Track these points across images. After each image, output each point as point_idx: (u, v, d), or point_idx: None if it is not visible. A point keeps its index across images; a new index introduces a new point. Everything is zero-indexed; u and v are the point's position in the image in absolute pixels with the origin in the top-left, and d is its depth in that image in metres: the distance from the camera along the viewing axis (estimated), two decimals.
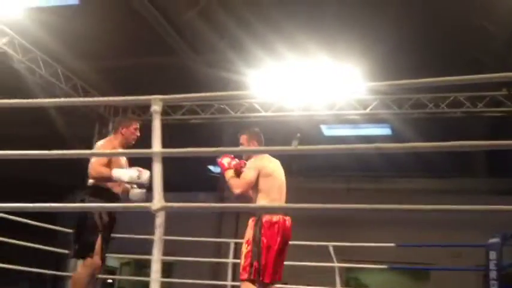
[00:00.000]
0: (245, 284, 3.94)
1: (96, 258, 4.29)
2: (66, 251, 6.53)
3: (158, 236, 2.09)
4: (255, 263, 3.91)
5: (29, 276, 6.80)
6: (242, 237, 4.14)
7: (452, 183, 10.97)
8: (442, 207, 2.14)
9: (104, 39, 7.70)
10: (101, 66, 8.42)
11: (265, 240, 3.95)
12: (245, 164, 4.21)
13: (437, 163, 9.70)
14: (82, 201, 4.39)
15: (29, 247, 6.21)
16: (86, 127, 9.67)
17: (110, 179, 4.27)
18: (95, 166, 4.27)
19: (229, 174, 4.14)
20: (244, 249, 4.01)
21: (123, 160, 4.52)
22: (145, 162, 4.37)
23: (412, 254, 8.95)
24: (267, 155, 4.28)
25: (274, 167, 4.24)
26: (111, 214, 4.47)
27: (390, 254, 8.52)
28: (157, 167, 2.20)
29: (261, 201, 4.09)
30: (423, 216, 8.82)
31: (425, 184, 11.30)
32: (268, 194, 4.11)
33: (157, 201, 2.13)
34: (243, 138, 4.35)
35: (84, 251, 4.34)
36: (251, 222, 4.06)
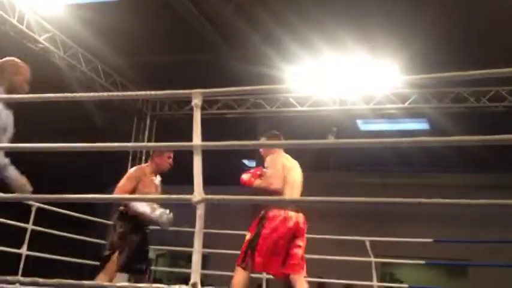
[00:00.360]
0: (236, 269, 4.05)
1: (110, 275, 4.22)
2: (104, 242, 6.65)
3: (198, 228, 2.13)
4: (249, 252, 4.01)
5: (71, 267, 6.94)
6: None
7: (492, 178, 10.75)
8: (479, 201, 2.11)
9: (142, 35, 7.81)
10: (138, 61, 8.55)
11: (265, 232, 4.03)
12: (262, 170, 4.35)
13: (476, 158, 9.52)
14: (115, 225, 4.42)
15: (72, 238, 6.31)
16: (124, 122, 9.83)
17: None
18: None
19: (258, 182, 4.32)
20: (246, 237, 4.18)
21: (158, 182, 4.58)
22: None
23: (450, 249, 8.81)
24: (284, 154, 4.36)
25: (291, 165, 4.34)
26: (142, 231, 4.48)
27: (427, 249, 8.41)
28: (198, 160, 2.25)
29: (274, 195, 4.18)
30: (462, 212, 8.69)
31: (464, 179, 11.10)
32: (283, 188, 4.18)
33: (198, 193, 2.17)
34: (261, 141, 4.48)
35: (100, 265, 4.36)
36: (261, 214, 4.20)
